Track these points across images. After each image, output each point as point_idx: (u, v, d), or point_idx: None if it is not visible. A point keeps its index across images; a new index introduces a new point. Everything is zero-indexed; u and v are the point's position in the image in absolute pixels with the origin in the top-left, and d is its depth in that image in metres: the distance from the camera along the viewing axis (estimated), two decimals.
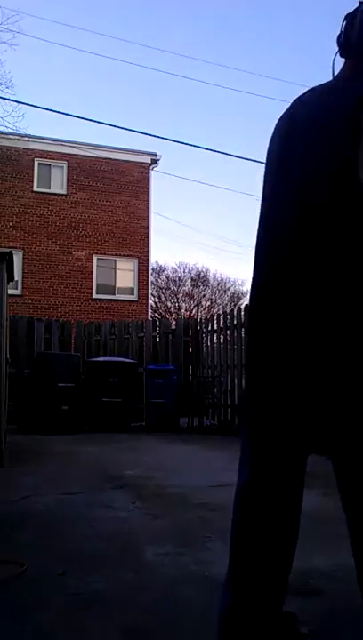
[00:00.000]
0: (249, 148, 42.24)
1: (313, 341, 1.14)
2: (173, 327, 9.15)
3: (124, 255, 16.92)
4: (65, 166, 16.92)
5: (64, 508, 2.95)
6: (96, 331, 9.14)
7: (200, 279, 25.88)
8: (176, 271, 25.67)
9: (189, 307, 25.88)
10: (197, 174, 41.80)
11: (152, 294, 20.23)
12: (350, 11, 1.26)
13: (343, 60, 1.30)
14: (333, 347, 1.12)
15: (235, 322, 7.86)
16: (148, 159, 17.56)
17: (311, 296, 1.15)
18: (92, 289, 16.61)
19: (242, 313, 7.76)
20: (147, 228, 17.07)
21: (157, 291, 24.47)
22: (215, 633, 1.30)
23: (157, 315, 22.37)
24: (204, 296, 26.18)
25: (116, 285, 16.95)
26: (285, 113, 1.33)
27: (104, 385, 7.55)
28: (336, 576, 1.95)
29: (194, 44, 35.51)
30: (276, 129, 1.34)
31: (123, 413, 7.51)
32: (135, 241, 16.94)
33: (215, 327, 8.51)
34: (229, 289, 26.38)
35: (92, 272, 16.68)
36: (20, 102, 17.98)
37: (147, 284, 17.26)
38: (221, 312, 10.21)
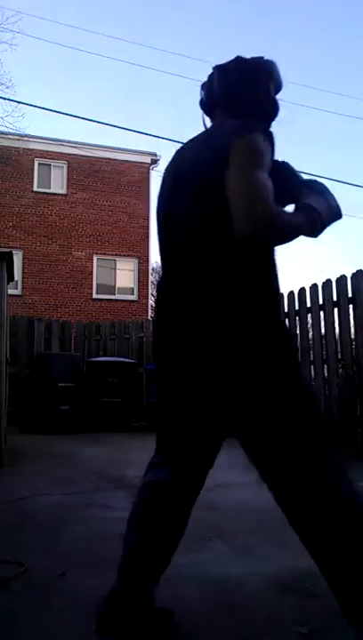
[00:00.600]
0: None
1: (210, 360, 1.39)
2: None
3: (124, 255, 16.92)
4: (65, 166, 16.92)
5: (64, 509, 2.95)
6: (96, 331, 9.14)
7: None
8: None
9: None
10: None
11: (152, 294, 20.19)
12: (206, 80, 1.58)
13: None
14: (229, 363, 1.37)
15: None
16: (148, 159, 17.56)
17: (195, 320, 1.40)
18: (92, 289, 16.61)
19: None
20: (147, 228, 17.07)
21: (157, 291, 24.43)
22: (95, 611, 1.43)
23: None
24: None
25: (116, 285, 16.95)
26: (168, 164, 1.60)
27: (104, 385, 7.55)
28: None
29: (194, 43, 35.53)
30: (171, 161, 1.60)
31: (123, 413, 7.51)
32: (135, 241, 16.95)
33: None
34: None
35: (92, 272, 16.68)
36: (20, 102, 18.02)
37: (147, 284, 17.26)
38: None
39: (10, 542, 2.35)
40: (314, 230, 1.41)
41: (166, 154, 18.41)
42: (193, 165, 1.45)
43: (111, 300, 16.56)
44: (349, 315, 5.56)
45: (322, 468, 1.35)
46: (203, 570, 2.03)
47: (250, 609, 1.68)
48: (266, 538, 2.44)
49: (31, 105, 22.06)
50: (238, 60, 1.55)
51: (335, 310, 5.72)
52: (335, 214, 1.47)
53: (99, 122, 17.13)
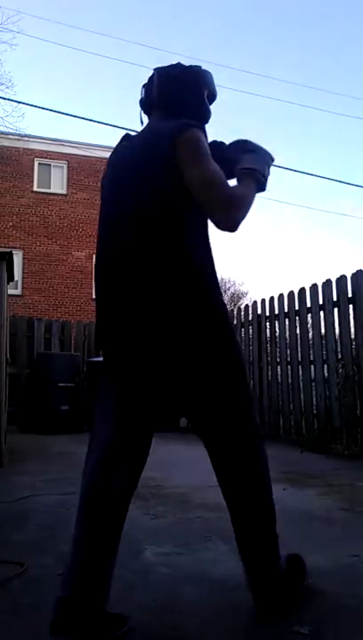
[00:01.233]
0: None
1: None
2: None
3: None
4: (65, 166, 16.92)
5: (64, 508, 2.94)
6: None
7: None
8: None
9: None
10: None
11: None
12: (146, 81, 1.71)
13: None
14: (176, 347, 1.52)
15: (235, 322, 7.85)
16: None
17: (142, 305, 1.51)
18: (92, 289, 16.59)
19: (242, 313, 7.75)
20: None
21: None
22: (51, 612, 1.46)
23: None
24: None
25: None
26: (111, 155, 1.74)
27: None
28: (336, 576, 1.95)
29: (194, 43, 35.53)
30: (108, 165, 1.72)
31: None
32: None
33: None
34: (229, 289, 26.40)
35: (92, 272, 16.66)
36: (20, 102, 18.05)
37: None
38: None
39: (10, 542, 2.35)
40: (262, 186, 1.61)
41: None
42: (136, 159, 1.58)
43: None
44: (349, 315, 5.56)
45: (260, 447, 1.62)
46: (203, 570, 2.03)
47: (250, 609, 1.68)
48: None
49: (31, 105, 22.07)
50: (178, 66, 1.69)
51: (335, 310, 5.72)
52: (269, 160, 1.65)
53: (99, 122, 17.09)
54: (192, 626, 1.59)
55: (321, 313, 5.93)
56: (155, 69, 1.70)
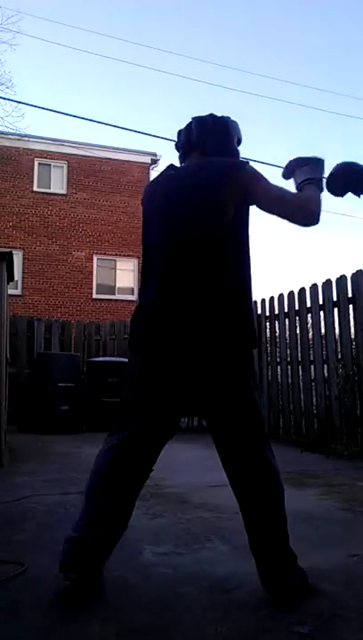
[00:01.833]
0: (249, 147, 42.18)
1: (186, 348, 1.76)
2: None
3: (124, 255, 16.92)
4: (65, 166, 16.92)
5: (64, 509, 2.95)
6: (96, 331, 9.14)
7: None
8: None
9: None
10: None
11: None
12: (182, 128, 2.03)
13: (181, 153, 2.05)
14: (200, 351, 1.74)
15: None
16: (148, 159, 17.56)
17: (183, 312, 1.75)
18: (92, 289, 16.61)
19: None
20: None
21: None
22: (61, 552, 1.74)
23: None
24: None
25: (116, 285, 16.95)
26: (157, 181, 2.00)
27: (104, 385, 7.55)
28: (336, 576, 1.95)
29: (194, 43, 35.54)
30: (155, 189, 1.99)
31: None
32: (135, 241, 16.93)
33: None
34: None
35: (92, 272, 16.69)
36: (20, 102, 18.06)
37: None
38: None
39: (10, 542, 2.35)
40: (322, 188, 1.91)
41: (166, 154, 18.44)
42: (195, 186, 1.83)
43: (111, 300, 16.56)
44: (349, 315, 5.56)
45: (267, 451, 1.81)
46: (203, 570, 2.03)
47: (250, 609, 1.68)
48: None
49: (31, 105, 22.10)
50: (212, 115, 2.01)
51: (335, 310, 5.72)
52: (322, 164, 1.93)
53: (99, 122, 17.08)
54: (192, 626, 1.59)
55: (321, 313, 5.93)
56: (193, 118, 2.01)
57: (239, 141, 2.04)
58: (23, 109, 20.90)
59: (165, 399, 1.82)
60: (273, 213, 1.83)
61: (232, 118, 2.04)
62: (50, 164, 16.83)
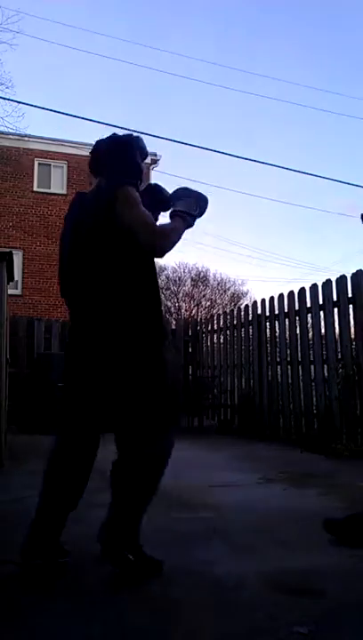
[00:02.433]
0: (249, 147, 42.24)
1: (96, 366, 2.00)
2: (173, 327, 9.15)
3: None
4: (65, 166, 16.91)
5: None
6: None
7: (200, 279, 25.82)
8: (176, 271, 25.62)
9: (189, 307, 25.84)
10: (197, 174, 41.79)
11: None
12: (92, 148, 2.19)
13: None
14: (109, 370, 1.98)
15: (235, 322, 7.86)
16: (148, 159, 17.53)
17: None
18: None
19: (242, 313, 7.75)
20: None
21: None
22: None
23: None
24: (204, 296, 26.14)
25: None
26: (72, 203, 2.21)
27: None
28: (336, 576, 1.95)
29: (194, 43, 35.53)
30: (70, 210, 2.19)
31: None
32: None
33: (215, 327, 8.51)
34: (229, 289, 26.34)
35: None
36: (20, 102, 17.91)
37: None
38: (221, 312, 10.20)
39: (10, 542, 2.35)
40: (188, 224, 2.11)
41: (166, 154, 18.41)
42: (87, 212, 2.06)
43: None
44: (349, 315, 5.56)
45: (160, 440, 2.02)
46: (203, 570, 2.03)
47: (250, 609, 1.68)
48: (266, 538, 2.44)
49: (31, 105, 21.98)
50: (112, 137, 2.19)
51: (335, 310, 5.72)
52: (201, 202, 2.14)
53: (99, 122, 17.00)
54: (192, 625, 1.59)
55: (321, 313, 5.93)
56: (96, 141, 2.21)
57: (144, 156, 2.22)
58: (23, 109, 20.82)
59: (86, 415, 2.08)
60: (132, 233, 1.97)
61: (135, 134, 2.23)
62: (50, 164, 16.82)
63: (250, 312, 7.51)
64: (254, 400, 7.06)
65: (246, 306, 7.84)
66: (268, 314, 7.06)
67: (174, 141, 17.07)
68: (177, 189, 2.18)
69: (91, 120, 18.86)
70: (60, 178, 16.86)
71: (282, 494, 3.40)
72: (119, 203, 1.98)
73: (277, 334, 6.81)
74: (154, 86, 41.42)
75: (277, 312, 6.82)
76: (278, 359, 6.68)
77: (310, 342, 6.18)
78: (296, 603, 1.72)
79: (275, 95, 45.40)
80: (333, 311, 5.76)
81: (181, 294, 25.91)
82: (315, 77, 40.52)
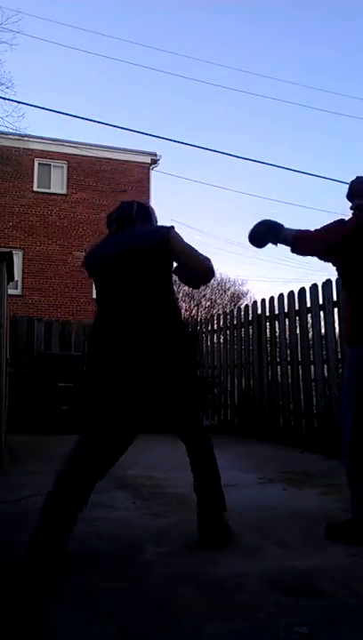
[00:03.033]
0: (249, 147, 42.25)
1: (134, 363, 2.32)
2: None
3: None
4: (65, 166, 16.91)
5: None
6: None
7: None
8: None
9: (189, 307, 25.81)
10: (198, 174, 41.84)
11: None
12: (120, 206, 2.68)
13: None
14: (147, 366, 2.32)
15: (235, 322, 7.86)
16: (148, 159, 17.54)
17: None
18: (92, 289, 16.56)
19: (242, 313, 7.75)
20: None
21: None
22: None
23: None
24: (204, 296, 26.10)
25: None
26: (94, 251, 2.72)
27: None
28: (336, 576, 1.95)
29: (194, 43, 35.53)
30: (93, 257, 2.70)
31: None
32: None
33: (215, 327, 8.51)
34: (229, 289, 26.30)
35: None
36: (20, 102, 18.00)
37: None
38: (221, 312, 10.19)
39: (10, 542, 2.35)
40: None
41: (166, 154, 18.40)
42: (133, 246, 2.42)
43: None
44: None
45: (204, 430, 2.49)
46: (203, 570, 2.03)
47: (250, 609, 1.68)
48: (266, 537, 2.44)
49: (31, 105, 22.00)
50: (138, 203, 2.64)
51: (335, 310, 5.72)
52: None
53: (99, 122, 17.03)
54: (192, 626, 1.59)
55: (321, 313, 5.93)
56: (122, 202, 2.69)
57: (156, 221, 2.69)
58: (23, 109, 20.94)
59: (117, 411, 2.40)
60: (188, 266, 2.45)
61: (151, 206, 2.77)
62: (50, 164, 16.82)
63: (250, 312, 7.51)
64: (254, 400, 7.06)
65: (246, 306, 7.84)
66: (268, 314, 7.06)
67: (175, 141, 17.10)
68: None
69: (91, 120, 18.91)
70: (59, 178, 16.86)
71: (282, 494, 3.40)
72: (175, 239, 2.42)
73: (277, 334, 6.81)
74: (154, 86, 41.43)
75: (277, 312, 6.82)
76: (278, 359, 6.68)
77: (310, 342, 6.17)
78: (296, 603, 1.73)
79: (275, 95, 45.38)
80: (333, 311, 5.76)
81: (180, 294, 25.89)
82: (315, 78, 40.50)
